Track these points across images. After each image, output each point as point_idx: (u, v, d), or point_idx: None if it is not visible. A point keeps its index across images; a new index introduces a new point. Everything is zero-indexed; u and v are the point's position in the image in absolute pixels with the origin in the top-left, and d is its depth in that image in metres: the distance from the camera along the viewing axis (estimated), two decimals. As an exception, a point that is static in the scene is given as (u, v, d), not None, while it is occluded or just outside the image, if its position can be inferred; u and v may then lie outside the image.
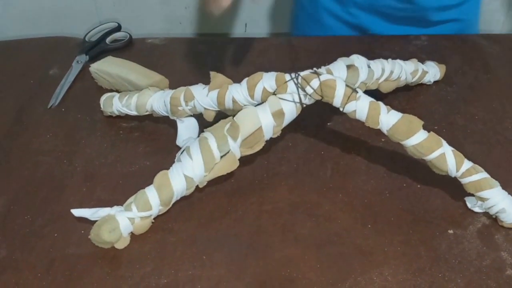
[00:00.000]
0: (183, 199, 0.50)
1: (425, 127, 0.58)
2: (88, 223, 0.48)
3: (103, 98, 0.61)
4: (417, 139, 0.46)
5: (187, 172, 0.47)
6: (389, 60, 0.57)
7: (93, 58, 0.71)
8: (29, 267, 0.44)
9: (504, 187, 0.50)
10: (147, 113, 0.57)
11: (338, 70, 0.50)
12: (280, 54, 0.73)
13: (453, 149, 0.47)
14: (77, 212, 0.47)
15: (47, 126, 0.60)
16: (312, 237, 0.46)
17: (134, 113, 0.58)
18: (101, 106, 0.60)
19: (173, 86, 0.66)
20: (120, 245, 0.45)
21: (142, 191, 0.47)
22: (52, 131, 0.60)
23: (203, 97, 0.52)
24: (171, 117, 0.55)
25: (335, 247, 0.45)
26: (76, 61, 0.71)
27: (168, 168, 0.48)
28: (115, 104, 0.59)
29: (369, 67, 0.53)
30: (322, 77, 0.48)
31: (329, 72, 0.50)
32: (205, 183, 0.49)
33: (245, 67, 0.69)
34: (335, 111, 0.61)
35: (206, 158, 0.47)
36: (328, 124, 0.60)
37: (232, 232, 0.47)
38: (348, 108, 0.48)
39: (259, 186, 0.52)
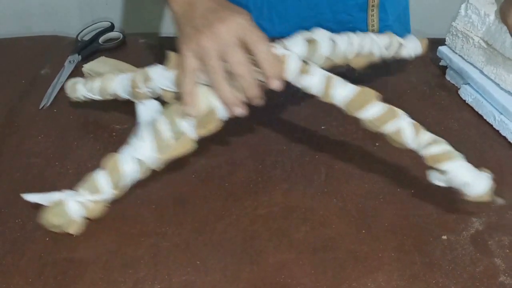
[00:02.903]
0: (178, 202, 0.50)
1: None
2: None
3: (69, 83, 0.60)
4: (372, 110, 0.46)
5: (137, 154, 0.46)
6: (359, 32, 0.55)
7: (86, 58, 0.71)
8: (20, 272, 0.44)
9: (496, 193, 0.50)
10: (111, 97, 0.56)
11: (295, 44, 0.49)
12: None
13: (413, 121, 0.46)
14: (28, 197, 0.46)
15: (39, 127, 0.60)
16: (307, 242, 0.46)
17: (98, 97, 0.57)
18: (67, 91, 0.59)
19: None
20: (73, 230, 0.45)
21: (90, 175, 0.46)
22: (44, 132, 0.59)
23: (160, 78, 0.50)
24: (133, 100, 0.54)
25: (329, 252, 0.45)
26: (68, 61, 0.70)
27: (160, 172, 0.48)
28: (80, 89, 0.58)
29: (333, 41, 0.51)
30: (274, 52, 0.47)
31: (285, 47, 0.49)
32: (161, 166, 0.48)
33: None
34: (330, 115, 0.61)
35: (158, 140, 0.46)
36: (323, 128, 0.60)
37: (226, 237, 0.47)
38: (303, 83, 0.47)
39: (254, 190, 0.51)
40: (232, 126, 0.59)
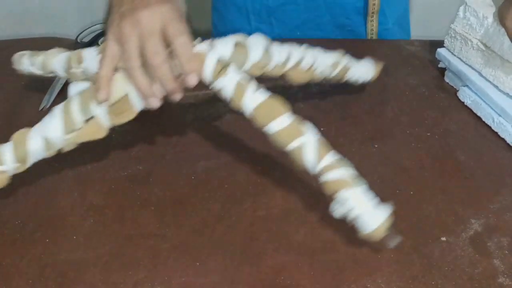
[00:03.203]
0: (177, 204, 0.50)
1: (416, 133, 0.59)
2: (81, 228, 0.48)
3: (16, 55, 0.59)
4: (278, 125, 0.44)
5: (45, 132, 0.46)
6: (304, 46, 0.53)
7: (85, 60, 0.71)
8: (20, 273, 0.44)
9: (495, 194, 0.51)
10: (52, 74, 0.56)
11: (223, 46, 0.47)
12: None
13: (320, 140, 0.43)
14: None
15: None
16: (306, 244, 0.46)
17: (40, 72, 0.56)
18: (13, 63, 0.59)
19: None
20: None
21: None
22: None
23: (92, 60, 0.49)
24: (70, 81, 0.53)
25: (328, 254, 0.45)
26: (68, 63, 0.70)
27: (160, 173, 0.48)
28: (24, 62, 0.57)
29: (268, 50, 0.49)
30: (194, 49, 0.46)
31: (212, 46, 0.48)
32: (71, 147, 0.47)
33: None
34: (330, 116, 0.62)
35: (67, 120, 0.46)
36: (322, 129, 0.60)
37: (225, 239, 0.47)
38: (217, 85, 0.46)
39: (253, 192, 0.51)
40: (231, 127, 0.60)
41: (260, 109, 0.44)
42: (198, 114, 0.62)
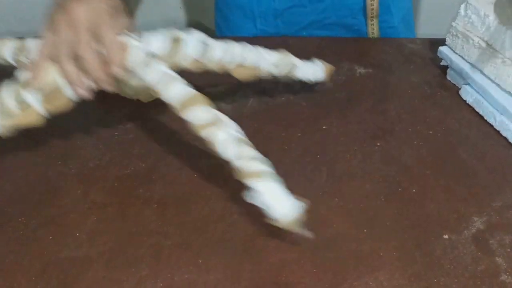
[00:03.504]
0: (179, 202, 0.50)
1: (418, 132, 0.59)
2: (84, 225, 0.48)
3: None
4: (199, 115, 0.46)
5: None
6: (246, 44, 0.54)
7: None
8: (23, 270, 0.44)
9: (497, 192, 0.51)
10: (3, 61, 0.56)
11: (155, 39, 0.49)
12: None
13: (239, 136, 0.46)
14: None
15: (41, 127, 0.60)
16: (308, 241, 0.46)
17: None
18: None
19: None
20: None
21: None
22: (46, 132, 0.59)
23: (34, 50, 0.50)
24: (18, 67, 0.54)
25: (330, 252, 0.45)
26: (70, 61, 0.71)
27: (162, 171, 0.48)
28: None
29: (206, 45, 0.51)
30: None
31: (143, 39, 0.49)
32: (10, 133, 0.49)
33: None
34: (331, 115, 0.62)
35: (1, 107, 0.47)
36: (324, 127, 0.60)
37: (228, 236, 0.47)
38: (141, 75, 0.48)
39: (255, 189, 0.51)
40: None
41: (184, 101, 0.46)
42: (200, 112, 0.62)
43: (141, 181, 0.52)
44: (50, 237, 0.47)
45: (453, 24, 0.65)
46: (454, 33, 0.65)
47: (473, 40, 0.62)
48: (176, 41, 0.49)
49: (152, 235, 0.47)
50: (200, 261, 0.45)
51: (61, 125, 0.60)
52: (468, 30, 0.63)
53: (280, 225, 0.43)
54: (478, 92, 0.62)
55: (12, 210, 0.50)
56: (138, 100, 0.63)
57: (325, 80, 0.62)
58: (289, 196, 0.43)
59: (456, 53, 0.66)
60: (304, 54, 0.73)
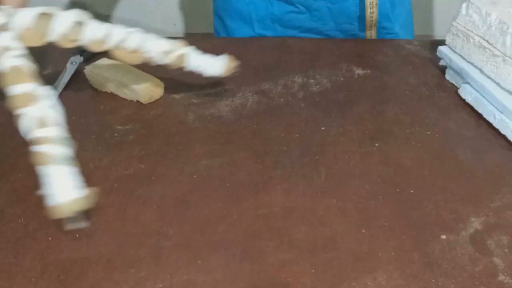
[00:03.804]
0: (179, 202, 0.50)
1: (417, 132, 0.59)
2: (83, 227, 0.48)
3: None
4: (17, 90, 0.47)
5: None
6: (136, 30, 0.55)
7: (88, 59, 0.71)
8: (22, 271, 0.44)
9: (495, 192, 0.51)
10: None
11: (25, 12, 0.50)
12: (275, 53, 0.73)
13: (54, 110, 0.47)
14: None
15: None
16: (307, 241, 0.47)
17: None
18: None
19: (168, 87, 0.66)
20: None
21: None
22: (46, 133, 0.59)
23: None
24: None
25: (329, 252, 0.46)
26: (70, 62, 0.71)
27: (162, 172, 0.48)
28: None
29: (81, 23, 0.52)
30: None
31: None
32: None
33: (241, 68, 0.70)
34: (330, 115, 0.62)
35: None
36: (322, 128, 0.60)
37: (227, 237, 0.47)
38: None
39: (254, 190, 0.52)
40: (233, 126, 0.60)
41: (8, 72, 0.47)
42: (200, 113, 0.62)
43: (141, 182, 0.53)
44: (50, 238, 0.47)
45: (454, 23, 0.66)
46: (454, 32, 0.66)
47: (473, 39, 0.62)
48: (45, 16, 0.50)
49: (152, 235, 0.47)
50: (200, 261, 0.45)
51: (61, 126, 0.61)
52: (468, 29, 0.63)
53: (56, 214, 0.44)
54: (477, 91, 0.62)
55: (12, 212, 0.50)
56: (137, 101, 0.63)
57: (223, 75, 0.61)
58: (74, 183, 0.44)
59: (456, 53, 0.66)
60: (302, 54, 0.73)
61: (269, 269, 0.44)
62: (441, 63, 0.70)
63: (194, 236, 0.47)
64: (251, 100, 0.65)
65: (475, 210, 0.49)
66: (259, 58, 0.72)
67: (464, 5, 0.64)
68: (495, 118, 0.59)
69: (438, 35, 0.71)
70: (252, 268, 0.44)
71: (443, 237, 0.47)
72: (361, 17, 0.76)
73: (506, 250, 0.45)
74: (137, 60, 0.56)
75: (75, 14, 0.52)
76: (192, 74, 0.69)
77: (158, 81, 0.65)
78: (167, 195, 0.51)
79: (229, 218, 0.49)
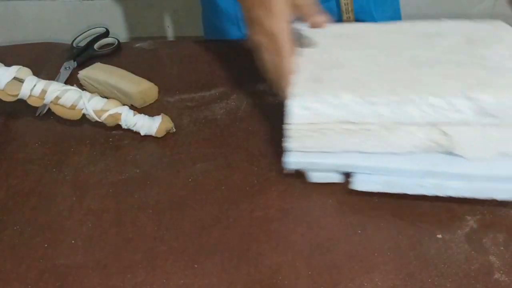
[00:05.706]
0: (175, 206, 0.50)
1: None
2: (79, 232, 0.48)
3: None
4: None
5: None
6: (66, 86, 0.57)
7: (81, 64, 0.71)
8: (19, 278, 0.44)
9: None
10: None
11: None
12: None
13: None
14: None
15: (35, 135, 0.60)
16: (303, 243, 0.47)
17: None
18: None
19: (162, 91, 0.66)
20: None
21: None
22: (41, 139, 0.59)
23: None
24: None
25: (325, 253, 0.46)
26: (64, 67, 0.71)
27: (157, 176, 0.48)
28: None
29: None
30: None
31: None
32: None
33: (236, 70, 0.70)
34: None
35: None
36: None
37: (223, 240, 0.47)
38: None
39: (250, 193, 0.52)
40: (227, 129, 0.60)
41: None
42: (194, 117, 0.62)
43: (136, 187, 0.53)
44: (46, 245, 0.47)
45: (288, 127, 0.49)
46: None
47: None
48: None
49: (148, 240, 0.47)
50: (196, 265, 0.45)
51: (55, 132, 0.60)
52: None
53: None
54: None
55: (7, 219, 0.50)
56: (132, 105, 0.63)
57: (159, 136, 0.59)
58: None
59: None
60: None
61: (265, 271, 0.44)
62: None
63: (190, 240, 0.47)
64: (245, 102, 0.65)
65: (471, 209, 0.49)
66: (252, 59, 0.72)
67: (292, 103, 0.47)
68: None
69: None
70: (249, 271, 0.44)
71: (439, 236, 0.47)
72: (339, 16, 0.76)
73: (502, 248, 0.46)
74: (76, 115, 0.58)
75: (15, 70, 0.56)
76: (186, 77, 0.69)
77: (152, 85, 0.65)
78: (163, 199, 0.51)
79: (225, 221, 0.49)
